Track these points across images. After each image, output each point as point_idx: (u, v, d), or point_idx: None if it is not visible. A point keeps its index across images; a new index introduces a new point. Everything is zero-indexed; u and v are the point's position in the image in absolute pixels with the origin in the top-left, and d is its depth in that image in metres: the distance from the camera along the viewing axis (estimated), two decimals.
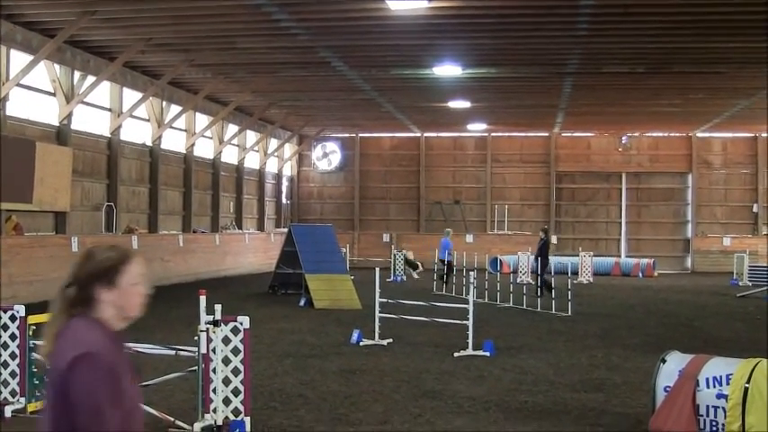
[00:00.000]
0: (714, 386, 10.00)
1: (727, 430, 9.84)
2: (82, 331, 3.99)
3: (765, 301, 30.29)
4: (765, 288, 33.12)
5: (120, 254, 4.15)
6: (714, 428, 9.97)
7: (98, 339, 3.96)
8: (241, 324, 9.95)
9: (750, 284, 37.27)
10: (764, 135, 51.66)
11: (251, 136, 48.47)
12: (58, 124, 30.02)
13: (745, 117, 44.77)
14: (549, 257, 32.15)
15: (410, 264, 41.54)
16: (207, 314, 9.87)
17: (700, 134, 52.27)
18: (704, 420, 10.05)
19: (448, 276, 33.67)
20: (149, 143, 37.08)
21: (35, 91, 29.14)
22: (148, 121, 36.99)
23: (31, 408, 11.03)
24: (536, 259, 31.25)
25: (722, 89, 37.23)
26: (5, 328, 11.32)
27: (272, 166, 53.07)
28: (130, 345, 10.97)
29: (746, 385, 9.74)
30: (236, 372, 9.97)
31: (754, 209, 52.24)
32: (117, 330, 4.11)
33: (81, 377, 3.83)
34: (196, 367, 9.96)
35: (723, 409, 9.88)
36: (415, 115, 46.98)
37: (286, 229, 33.69)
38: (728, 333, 21.36)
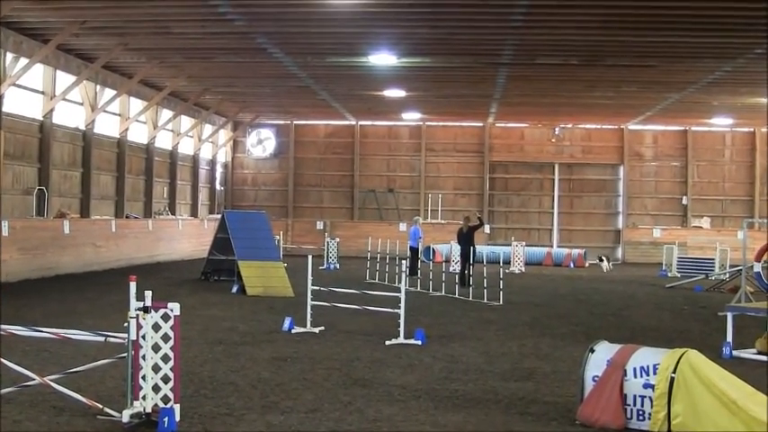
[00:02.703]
0: (641, 376, 10.14)
1: (654, 419, 9.99)
2: None
3: (694, 292, 30.83)
4: (693, 279, 33.67)
5: None
6: (641, 417, 10.12)
7: None
8: (171, 311, 9.88)
9: (679, 275, 37.78)
10: (694, 128, 52.43)
11: (185, 121, 48.15)
12: None
13: (676, 110, 45.42)
14: (473, 246, 32.08)
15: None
16: (137, 300, 9.81)
17: (632, 126, 52.90)
18: (631, 410, 10.19)
19: (413, 265, 33.66)
20: (82, 127, 36.68)
21: None
22: (82, 104, 36.58)
23: None
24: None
25: (654, 82, 37.62)
26: None
27: (206, 152, 52.77)
28: (58, 331, 10.89)
29: (672, 375, 9.89)
30: (165, 359, 9.90)
31: (684, 201, 53.09)
32: None
33: None
34: (126, 354, 9.90)
35: (650, 398, 10.03)
36: (350, 103, 46.98)
37: (219, 216, 33.54)
38: (656, 323, 21.64)
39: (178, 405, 9.91)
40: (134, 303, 9.77)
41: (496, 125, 54.22)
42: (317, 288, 18.67)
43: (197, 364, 13.70)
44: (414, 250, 35.36)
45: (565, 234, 54.01)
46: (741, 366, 13.84)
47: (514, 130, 54.62)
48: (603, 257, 44.43)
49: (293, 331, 17.82)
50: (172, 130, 46.84)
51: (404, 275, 18.08)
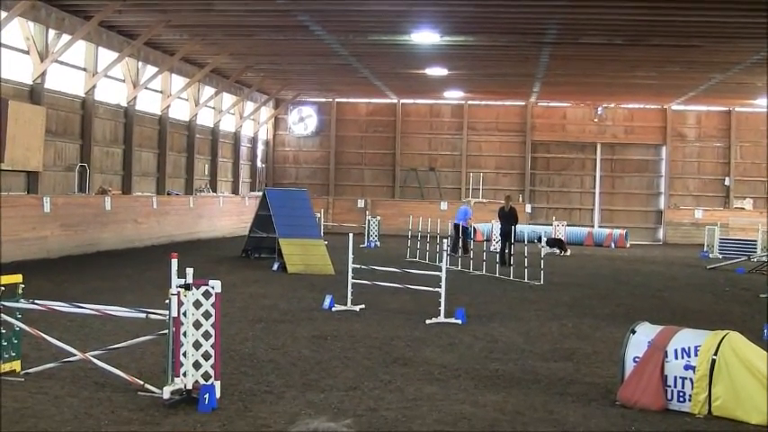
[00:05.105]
0: (682, 357, 10.08)
1: (694, 401, 9.93)
2: None
3: (736, 273, 30.58)
4: (735, 260, 33.40)
5: None
6: (681, 399, 10.06)
7: None
8: (212, 288, 9.90)
9: (720, 257, 37.56)
10: (738, 109, 51.92)
11: (227, 99, 48.23)
12: (31, 83, 29.71)
13: (720, 91, 44.95)
14: (514, 225, 31.48)
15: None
16: (178, 277, 9.84)
17: (675, 107, 52.44)
18: (672, 391, 10.13)
19: (456, 243, 33.76)
20: (124, 104, 36.86)
21: (8, 48, 28.74)
22: (123, 81, 36.74)
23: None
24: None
25: (698, 63, 37.30)
26: None
27: (247, 130, 52.91)
28: (100, 307, 10.96)
29: (714, 357, 9.83)
30: (206, 336, 9.93)
31: (726, 182, 52.61)
32: None
33: None
34: (167, 330, 9.94)
35: (690, 380, 9.97)
36: (391, 81, 46.85)
37: (260, 193, 33.58)
38: (698, 305, 21.48)
39: (219, 382, 9.94)
40: (175, 280, 9.80)
41: (539, 104, 53.97)
42: (358, 266, 18.67)
43: (237, 342, 13.76)
44: (459, 229, 35.19)
45: (606, 214, 53.73)
46: None
47: (557, 109, 54.34)
48: (546, 243, 35.61)
49: (333, 309, 17.85)
50: (213, 108, 46.97)
51: (444, 254, 18.07)
